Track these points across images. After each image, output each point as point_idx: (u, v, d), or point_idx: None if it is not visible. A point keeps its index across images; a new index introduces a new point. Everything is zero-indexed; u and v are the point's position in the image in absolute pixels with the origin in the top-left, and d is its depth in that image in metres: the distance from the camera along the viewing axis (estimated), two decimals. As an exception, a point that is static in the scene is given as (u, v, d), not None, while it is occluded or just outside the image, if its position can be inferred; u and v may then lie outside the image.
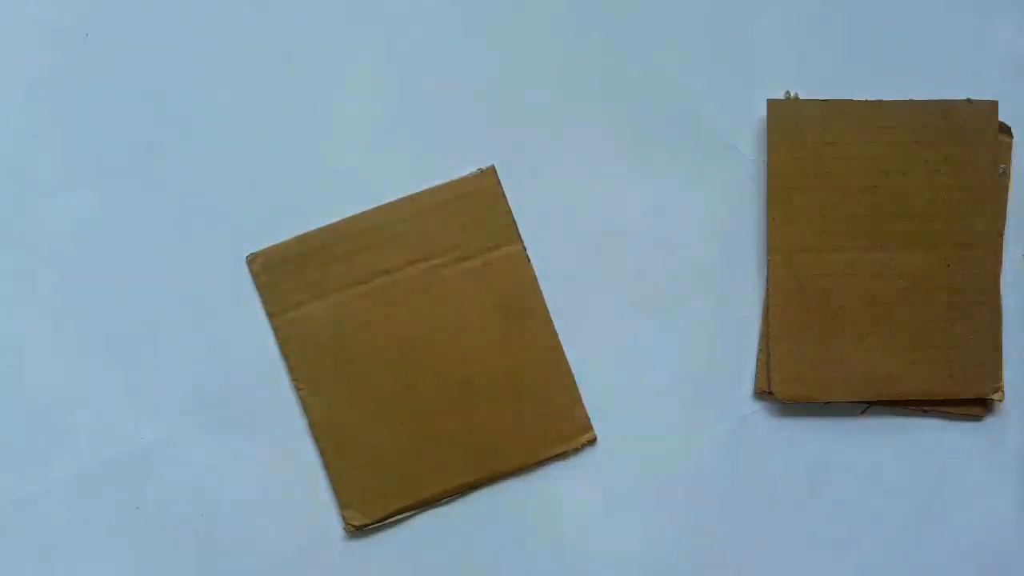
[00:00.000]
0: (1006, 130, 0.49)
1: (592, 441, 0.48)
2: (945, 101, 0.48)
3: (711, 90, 0.49)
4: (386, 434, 0.46)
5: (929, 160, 0.48)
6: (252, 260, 0.47)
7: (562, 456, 0.48)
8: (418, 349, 0.47)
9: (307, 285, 0.46)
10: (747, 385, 0.48)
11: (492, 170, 0.47)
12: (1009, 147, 0.49)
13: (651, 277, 0.48)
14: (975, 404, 0.49)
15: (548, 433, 0.47)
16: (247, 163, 0.46)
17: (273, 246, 0.47)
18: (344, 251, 0.46)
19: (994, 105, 0.48)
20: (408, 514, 0.47)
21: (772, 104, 0.48)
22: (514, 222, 0.47)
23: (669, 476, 0.48)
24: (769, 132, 0.48)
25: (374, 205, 0.47)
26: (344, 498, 0.46)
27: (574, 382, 0.47)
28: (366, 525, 0.47)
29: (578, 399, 0.47)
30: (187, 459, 0.46)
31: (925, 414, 0.49)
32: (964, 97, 0.48)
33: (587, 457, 0.48)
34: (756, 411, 0.48)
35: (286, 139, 0.47)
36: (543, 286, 0.47)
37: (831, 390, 0.48)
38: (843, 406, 0.48)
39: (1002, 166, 0.48)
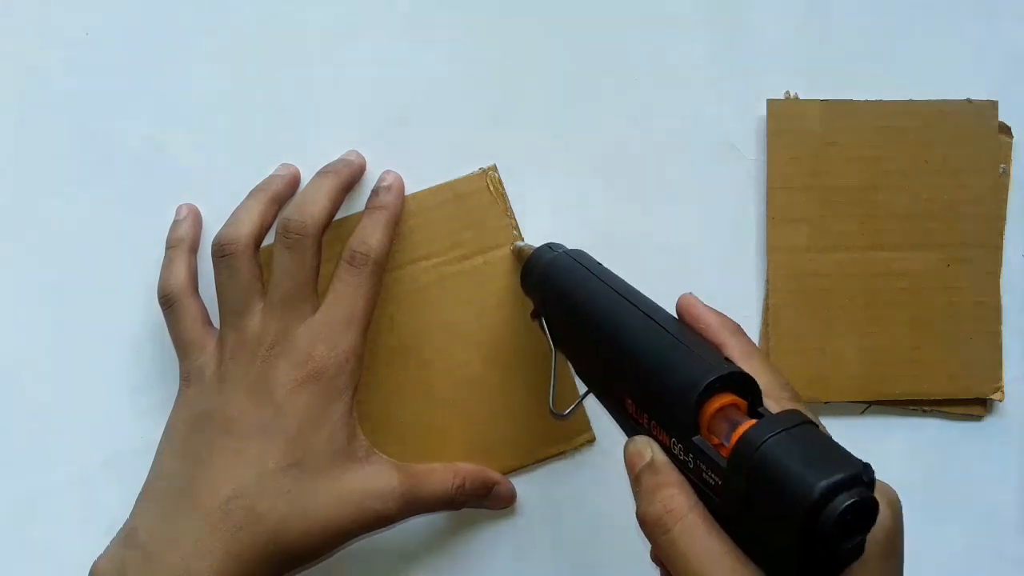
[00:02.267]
0: (1006, 130, 0.49)
1: (591, 441, 0.48)
2: (945, 101, 0.48)
3: (711, 90, 0.49)
4: (384, 433, 0.46)
5: (929, 160, 0.48)
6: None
7: (561, 456, 0.48)
8: (418, 348, 0.47)
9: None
10: (747, 385, 0.48)
11: (493, 169, 0.47)
12: (1009, 147, 0.49)
13: (651, 276, 0.48)
14: (975, 404, 0.49)
15: (547, 433, 0.47)
16: (248, 163, 0.46)
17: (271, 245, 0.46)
18: (343, 250, 0.46)
19: (994, 105, 0.48)
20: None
21: (772, 104, 0.48)
22: (514, 222, 0.47)
23: (669, 476, 0.48)
24: (769, 132, 0.48)
25: (374, 205, 0.47)
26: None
27: (574, 382, 0.47)
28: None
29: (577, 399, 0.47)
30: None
31: (925, 414, 0.49)
32: (964, 97, 0.48)
33: (587, 457, 0.48)
34: (756, 411, 0.48)
35: (286, 139, 0.47)
36: (543, 286, 0.47)
37: (831, 390, 0.48)
38: (843, 406, 0.48)
39: (1002, 166, 0.48)
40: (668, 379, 0.33)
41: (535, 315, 0.43)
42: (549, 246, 0.44)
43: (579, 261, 0.41)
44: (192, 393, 0.42)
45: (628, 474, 0.33)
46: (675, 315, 0.38)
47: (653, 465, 0.32)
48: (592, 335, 0.38)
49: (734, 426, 0.30)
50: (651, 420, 0.33)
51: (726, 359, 0.33)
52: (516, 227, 0.47)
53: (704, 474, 0.30)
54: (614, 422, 0.37)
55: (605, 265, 0.41)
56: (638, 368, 0.34)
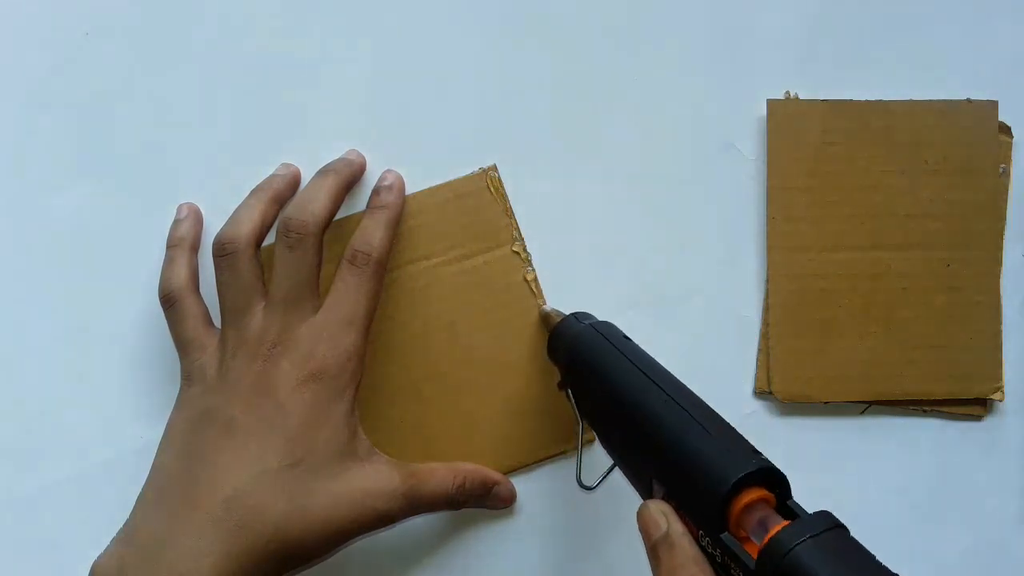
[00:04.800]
0: (1006, 130, 0.49)
1: (592, 441, 0.48)
2: (945, 101, 0.48)
3: (711, 90, 0.49)
4: (385, 433, 0.46)
5: (929, 160, 0.48)
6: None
7: (561, 456, 0.48)
8: (418, 348, 0.47)
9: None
10: (747, 385, 0.48)
11: (493, 169, 0.47)
12: (1009, 147, 0.49)
13: (651, 277, 0.48)
14: (975, 404, 0.49)
15: (547, 433, 0.47)
16: (248, 162, 0.46)
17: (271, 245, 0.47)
18: (344, 250, 0.46)
19: (994, 105, 0.48)
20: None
21: (772, 104, 0.48)
22: (514, 222, 0.47)
23: (669, 476, 0.48)
24: (769, 132, 0.48)
25: (374, 205, 0.47)
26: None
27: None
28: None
29: (578, 399, 0.47)
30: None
31: (925, 414, 0.49)
32: (964, 97, 0.48)
33: (587, 457, 0.48)
34: (756, 411, 0.48)
35: (286, 140, 0.47)
36: (543, 286, 0.47)
37: (831, 390, 0.48)
38: (843, 406, 0.48)
39: (1002, 166, 0.48)
40: (696, 472, 0.32)
41: (561, 386, 0.43)
42: (576, 316, 0.43)
43: (606, 336, 0.41)
44: (193, 392, 0.42)
45: (643, 540, 0.33)
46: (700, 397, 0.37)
47: (669, 539, 0.32)
48: (619, 416, 0.37)
49: (762, 522, 0.30)
50: (679, 509, 0.33)
51: (754, 450, 0.33)
52: (516, 227, 0.47)
53: (732, 571, 0.30)
54: None
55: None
56: (666, 457, 0.34)
